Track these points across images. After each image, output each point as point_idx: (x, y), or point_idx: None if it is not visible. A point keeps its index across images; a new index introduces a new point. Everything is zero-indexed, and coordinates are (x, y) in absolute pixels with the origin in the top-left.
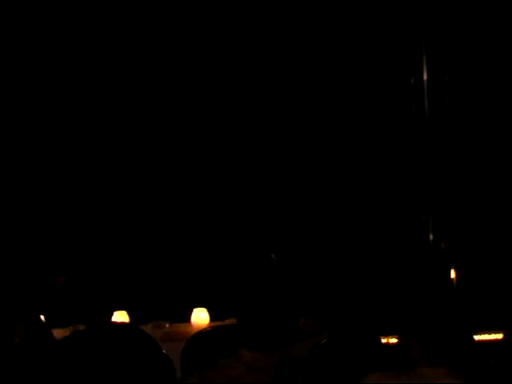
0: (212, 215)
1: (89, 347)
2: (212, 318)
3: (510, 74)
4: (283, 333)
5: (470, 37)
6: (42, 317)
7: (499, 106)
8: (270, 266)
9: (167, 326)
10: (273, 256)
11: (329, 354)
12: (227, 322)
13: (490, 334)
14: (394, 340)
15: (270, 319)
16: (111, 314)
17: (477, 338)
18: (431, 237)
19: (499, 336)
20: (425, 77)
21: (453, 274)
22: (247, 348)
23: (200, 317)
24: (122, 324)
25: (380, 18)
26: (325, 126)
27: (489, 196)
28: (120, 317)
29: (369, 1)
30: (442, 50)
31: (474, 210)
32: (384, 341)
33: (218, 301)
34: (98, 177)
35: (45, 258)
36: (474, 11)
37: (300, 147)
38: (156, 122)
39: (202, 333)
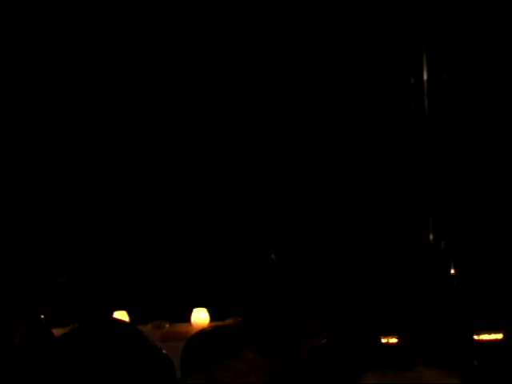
0: (212, 216)
1: (88, 348)
2: (212, 318)
3: (510, 74)
4: (286, 334)
5: (469, 37)
6: (42, 317)
7: (499, 105)
8: (270, 266)
9: (167, 326)
10: (273, 256)
11: (329, 353)
12: (227, 321)
13: (489, 333)
14: (393, 340)
15: (272, 320)
16: (111, 314)
17: (477, 337)
18: (431, 237)
19: (499, 336)
20: (425, 77)
21: (453, 274)
22: (250, 349)
23: (200, 317)
24: (120, 322)
25: (380, 17)
26: (325, 126)
27: (489, 196)
28: (120, 317)
29: (369, 1)
30: (441, 49)
31: (474, 209)
32: (384, 341)
33: (217, 301)
34: (98, 177)
35: (45, 258)
36: (474, 11)
37: (300, 147)
38: (156, 122)
39: (202, 333)
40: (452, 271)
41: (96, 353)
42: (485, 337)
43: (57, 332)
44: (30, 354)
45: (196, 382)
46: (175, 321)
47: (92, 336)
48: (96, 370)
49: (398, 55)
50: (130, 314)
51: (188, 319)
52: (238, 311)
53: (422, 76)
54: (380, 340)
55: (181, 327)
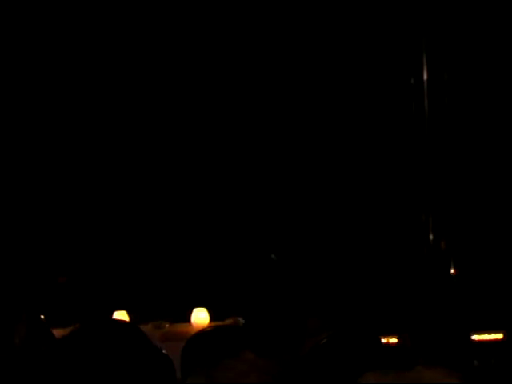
0: (212, 216)
1: (89, 348)
2: (212, 318)
3: (510, 74)
4: (286, 334)
5: (469, 37)
6: (42, 317)
7: (499, 105)
8: (270, 266)
9: (167, 326)
10: (273, 256)
11: (329, 353)
12: (227, 321)
13: (489, 334)
14: (393, 340)
15: (273, 321)
16: (111, 314)
17: (477, 337)
18: (431, 237)
19: (499, 336)
20: (425, 77)
21: (452, 274)
22: (250, 350)
23: (200, 317)
24: (121, 322)
25: (380, 17)
26: (325, 126)
27: (489, 196)
28: (120, 317)
29: (369, 1)
30: (441, 49)
31: (474, 209)
32: (384, 341)
33: (218, 301)
34: (98, 177)
35: (45, 258)
36: (474, 11)
37: (300, 147)
38: (156, 122)
39: (202, 333)
40: (452, 271)
41: (97, 353)
42: (485, 337)
43: (57, 332)
44: (30, 354)
45: (196, 382)
46: (175, 321)
47: (93, 336)
48: (97, 370)
49: (398, 55)
50: (130, 314)
51: (188, 319)
52: (238, 311)
53: (422, 76)
54: (380, 340)
55: (181, 327)
